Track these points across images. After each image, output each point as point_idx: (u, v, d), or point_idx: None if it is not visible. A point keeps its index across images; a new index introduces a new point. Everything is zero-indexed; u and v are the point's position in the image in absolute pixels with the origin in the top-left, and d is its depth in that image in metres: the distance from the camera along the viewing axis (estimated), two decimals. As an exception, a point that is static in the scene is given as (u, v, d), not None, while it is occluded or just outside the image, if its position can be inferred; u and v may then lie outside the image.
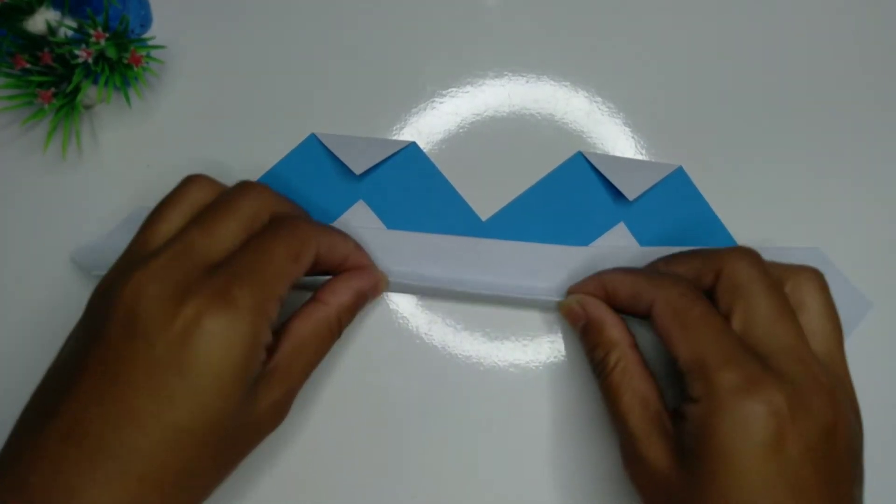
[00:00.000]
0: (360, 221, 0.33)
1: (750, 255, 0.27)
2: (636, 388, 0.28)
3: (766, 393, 0.24)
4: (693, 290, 0.27)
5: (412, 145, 0.33)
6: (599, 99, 0.34)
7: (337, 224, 0.33)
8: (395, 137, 0.34)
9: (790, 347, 0.25)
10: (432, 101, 0.34)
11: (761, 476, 0.23)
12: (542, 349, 0.33)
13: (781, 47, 0.35)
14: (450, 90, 0.34)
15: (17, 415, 0.31)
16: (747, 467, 0.24)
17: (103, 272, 0.29)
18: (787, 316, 0.26)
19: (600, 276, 0.30)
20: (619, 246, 0.33)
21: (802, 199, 0.34)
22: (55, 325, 0.32)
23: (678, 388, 0.27)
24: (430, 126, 0.34)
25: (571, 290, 0.31)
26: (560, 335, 0.33)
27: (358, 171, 0.32)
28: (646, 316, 0.28)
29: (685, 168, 0.33)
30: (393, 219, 0.33)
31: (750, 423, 0.24)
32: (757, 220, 0.33)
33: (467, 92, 0.34)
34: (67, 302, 0.32)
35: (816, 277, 0.28)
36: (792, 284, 0.27)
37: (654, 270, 0.30)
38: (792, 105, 0.35)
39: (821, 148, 0.34)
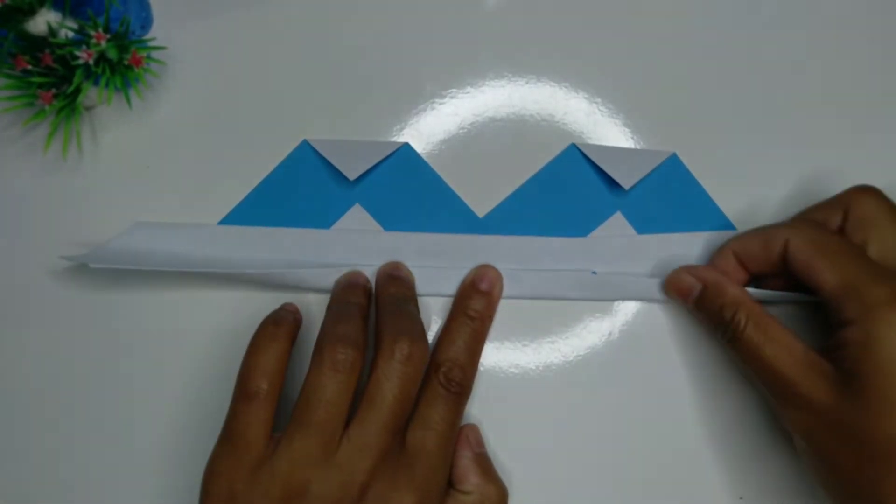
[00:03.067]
0: (357, 225, 0.33)
1: (874, 191, 0.29)
2: (776, 338, 0.28)
3: None
4: (824, 226, 0.29)
5: (405, 146, 0.33)
6: (592, 90, 0.34)
7: (334, 228, 0.33)
8: (393, 138, 0.34)
9: None
10: (431, 102, 0.34)
11: None
12: (542, 349, 0.33)
13: (771, 31, 0.35)
14: (449, 90, 0.34)
15: (14, 415, 0.31)
16: None
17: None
18: None
19: (722, 246, 0.31)
20: (617, 235, 0.33)
21: (797, 180, 0.34)
22: (54, 325, 0.32)
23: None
24: (426, 126, 0.34)
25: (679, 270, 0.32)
26: (559, 335, 0.33)
27: (352, 176, 0.32)
28: (770, 272, 0.30)
29: (679, 154, 0.34)
30: (390, 221, 0.33)
31: None
32: (753, 203, 0.34)
33: (467, 93, 0.34)
34: (66, 302, 0.32)
35: None
36: None
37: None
38: (782, 87, 0.35)
39: (812, 128, 0.34)
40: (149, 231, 0.32)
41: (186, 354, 0.32)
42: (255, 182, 0.33)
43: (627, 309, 0.33)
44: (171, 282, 0.32)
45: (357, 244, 0.33)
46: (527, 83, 0.34)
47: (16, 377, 0.32)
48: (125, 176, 0.33)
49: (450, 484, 0.30)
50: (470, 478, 0.29)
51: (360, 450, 0.26)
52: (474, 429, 0.31)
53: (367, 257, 0.33)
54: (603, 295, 0.33)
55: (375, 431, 0.26)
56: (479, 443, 0.31)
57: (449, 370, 0.29)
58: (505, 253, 0.33)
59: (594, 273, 0.33)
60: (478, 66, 0.34)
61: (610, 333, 0.33)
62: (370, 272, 0.32)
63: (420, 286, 0.33)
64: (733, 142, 0.34)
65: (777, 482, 0.33)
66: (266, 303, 0.32)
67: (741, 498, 0.33)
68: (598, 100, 0.34)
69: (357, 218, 0.33)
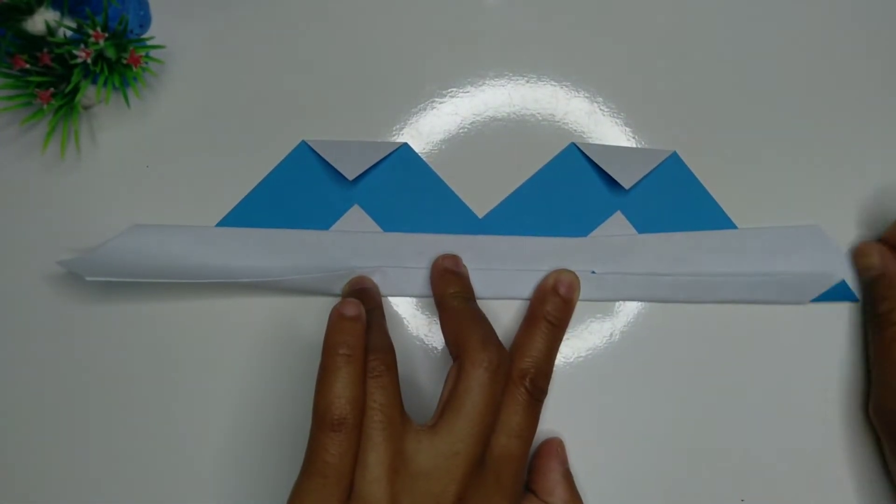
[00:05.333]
0: (356, 226, 0.33)
1: None
2: None
3: None
4: None
5: (404, 146, 0.33)
6: (592, 89, 0.34)
7: (333, 229, 0.33)
8: (392, 138, 0.34)
9: None
10: (430, 102, 0.34)
11: None
12: (541, 349, 0.33)
13: (772, 30, 0.35)
14: (449, 90, 0.34)
15: (9, 411, 0.31)
16: None
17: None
18: None
19: None
20: (617, 234, 0.33)
21: (799, 177, 0.34)
22: (51, 324, 0.32)
23: None
24: (425, 126, 0.34)
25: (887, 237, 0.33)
26: (560, 335, 0.33)
27: (351, 176, 0.32)
28: None
29: (679, 153, 0.34)
30: (389, 221, 0.33)
31: None
32: (754, 201, 0.34)
33: (467, 92, 0.34)
34: (64, 301, 0.32)
35: None
36: None
37: None
38: (783, 85, 0.35)
39: (813, 124, 0.34)
40: (145, 233, 0.32)
41: (185, 358, 0.32)
42: (254, 183, 0.33)
43: (628, 309, 0.33)
44: (170, 286, 0.32)
45: (356, 245, 0.33)
46: (527, 82, 0.34)
47: (12, 382, 0.32)
48: (123, 176, 0.33)
49: (532, 491, 0.30)
50: (559, 492, 0.30)
51: (449, 458, 0.26)
52: (562, 444, 0.32)
53: (367, 258, 0.33)
54: (603, 295, 0.33)
55: (465, 440, 0.26)
56: (566, 459, 0.32)
57: (535, 378, 0.29)
58: (505, 253, 0.33)
59: (594, 273, 0.33)
60: (478, 65, 0.34)
61: (611, 334, 0.33)
62: (369, 272, 0.32)
63: (420, 288, 0.33)
64: (734, 140, 0.34)
65: (779, 484, 0.33)
66: (265, 305, 0.32)
67: (742, 500, 0.33)
68: (599, 99, 0.34)
69: (356, 219, 0.33)
